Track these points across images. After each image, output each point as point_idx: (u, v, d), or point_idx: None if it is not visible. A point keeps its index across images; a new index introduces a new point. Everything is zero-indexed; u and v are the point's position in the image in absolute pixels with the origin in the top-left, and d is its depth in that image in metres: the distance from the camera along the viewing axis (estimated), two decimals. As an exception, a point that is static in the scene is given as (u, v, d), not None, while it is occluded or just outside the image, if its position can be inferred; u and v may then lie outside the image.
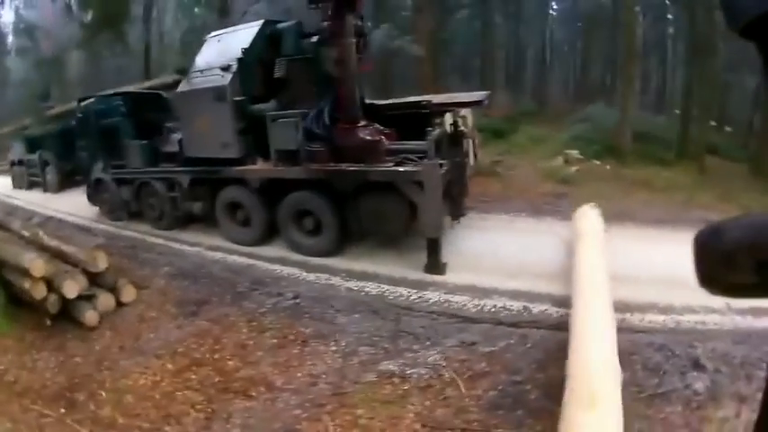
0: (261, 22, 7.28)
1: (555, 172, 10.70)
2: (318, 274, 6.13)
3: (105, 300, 5.69)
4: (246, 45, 6.83)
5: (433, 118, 6.20)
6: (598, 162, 11.43)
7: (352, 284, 5.79)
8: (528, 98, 21.81)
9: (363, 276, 5.94)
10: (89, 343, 5.28)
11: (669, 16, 21.92)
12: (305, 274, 6.20)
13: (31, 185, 14.88)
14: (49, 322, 5.50)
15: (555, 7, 25.85)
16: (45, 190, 13.99)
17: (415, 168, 5.45)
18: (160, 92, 10.26)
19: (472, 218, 7.53)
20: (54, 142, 13.24)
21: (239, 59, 6.72)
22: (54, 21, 16.04)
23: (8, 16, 15.94)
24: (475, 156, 10.76)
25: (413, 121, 6.18)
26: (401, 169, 5.52)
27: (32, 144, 14.34)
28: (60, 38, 16.13)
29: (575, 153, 11.62)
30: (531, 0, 23.23)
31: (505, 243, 6.42)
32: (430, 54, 15.77)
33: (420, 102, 6.46)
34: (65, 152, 12.45)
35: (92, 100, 9.80)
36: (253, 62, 6.84)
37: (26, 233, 7.03)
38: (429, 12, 16.39)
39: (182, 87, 7.46)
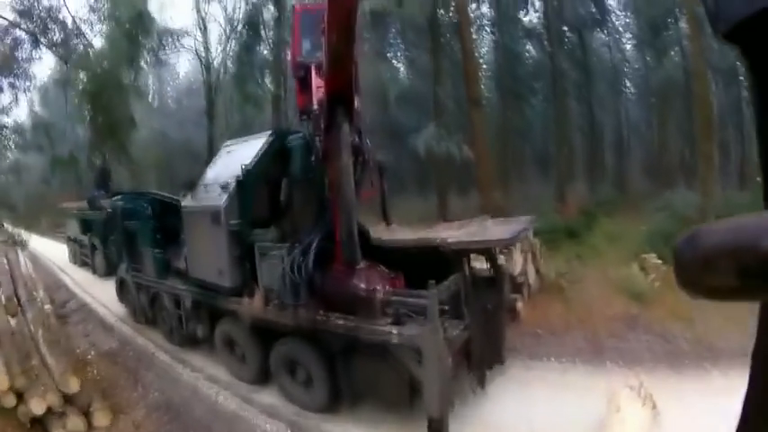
0: (268, 134, 6.61)
1: (628, 283, 9.08)
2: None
3: (74, 422, 5.53)
4: (248, 162, 6.17)
5: (456, 257, 5.03)
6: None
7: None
8: (607, 185, 20.21)
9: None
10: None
11: (741, 77, 19.69)
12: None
13: (83, 264, 15.44)
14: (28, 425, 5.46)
15: (627, 85, 24.21)
16: (93, 272, 14.36)
17: (411, 332, 4.35)
18: None
19: (514, 365, 6.19)
20: (101, 228, 13.62)
21: (238, 179, 6.07)
22: (67, 119, 16.98)
23: (23, 111, 17.27)
24: (536, 271, 9.56)
25: (432, 261, 4.94)
26: (395, 331, 4.40)
27: (85, 225, 14.90)
28: (74, 137, 17.04)
29: (652, 257, 9.93)
30: (603, 80, 21.89)
31: (547, 410, 4.96)
32: (494, 150, 15.02)
33: (433, 242, 5.16)
34: (108, 240, 12.67)
35: (119, 197, 9.75)
36: (255, 182, 6.05)
37: (32, 327, 7.03)
38: (486, 105, 15.83)
39: (186, 202, 6.99)
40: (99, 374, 7.07)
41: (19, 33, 15.20)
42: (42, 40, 14.77)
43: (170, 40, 17.17)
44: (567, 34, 20.42)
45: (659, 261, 9.41)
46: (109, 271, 13.71)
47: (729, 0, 0.57)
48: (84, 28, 15.53)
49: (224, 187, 6.19)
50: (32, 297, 8.08)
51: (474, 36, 19.69)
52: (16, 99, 16.83)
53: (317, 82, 5.34)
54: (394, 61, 22.96)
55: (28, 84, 17.34)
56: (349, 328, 4.69)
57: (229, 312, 6.29)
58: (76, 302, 11.32)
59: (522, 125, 21.67)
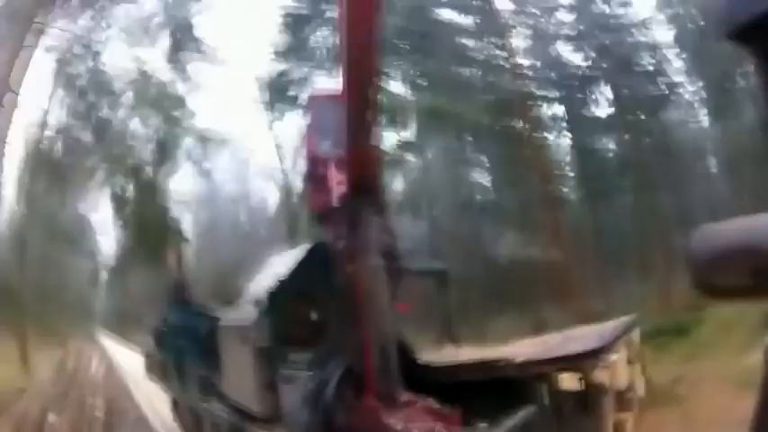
0: (310, 245, 6.14)
1: (752, 375, 7.40)
2: None
3: None
4: (283, 275, 5.76)
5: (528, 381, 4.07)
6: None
7: None
8: None
9: None
10: None
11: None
12: None
13: (156, 380, 15.57)
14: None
15: (713, 162, 22.47)
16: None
17: None
18: None
19: None
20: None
21: (270, 293, 5.63)
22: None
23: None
24: (647, 382, 8.12)
25: (500, 388, 4.02)
26: None
27: (160, 342, 15.21)
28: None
29: None
30: (686, 162, 20.50)
31: None
32: (586, 252, 14.19)
33: (495, 363, 4.24)
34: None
35: (173, 312, 9.70)
36: (290, 296, 5.48)
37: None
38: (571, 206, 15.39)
39: (224, 319, 6.72)
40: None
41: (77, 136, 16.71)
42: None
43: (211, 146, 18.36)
44: (641, 118, 19.58)
45: (784, 340, 7.69)
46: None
47: (736, 1, 0.58)
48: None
49: (256, 303, 5.82)
50: (82, 399, 8.06)
51: (548, 136, 19.65)
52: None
53: (336, 178, 4.80)
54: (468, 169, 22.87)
55: None
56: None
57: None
58: (136, 416, 11.24)
59: (613, 223, 20.47)
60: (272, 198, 36.01)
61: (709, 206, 21.35)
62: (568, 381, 4.74)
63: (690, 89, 20.95)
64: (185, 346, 8.44)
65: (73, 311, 26.50)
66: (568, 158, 23.39)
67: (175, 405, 9.56)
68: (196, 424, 8.10)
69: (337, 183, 4.84)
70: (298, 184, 25.83)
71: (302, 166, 20.37)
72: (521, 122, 17.75)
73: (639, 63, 18.95)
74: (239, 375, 5.90)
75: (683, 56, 19.34)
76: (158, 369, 15.55)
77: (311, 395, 4.26)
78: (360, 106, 3.79)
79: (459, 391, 4.11)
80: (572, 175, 23.19)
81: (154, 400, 13.00)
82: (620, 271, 20.45)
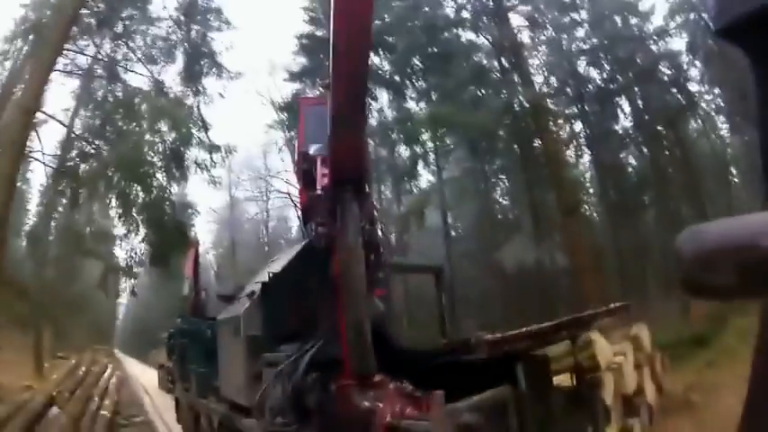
0: (304, 242, 6.12)
1: None
2: None
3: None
4: (279, 268, 5.79)
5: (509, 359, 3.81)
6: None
7: None
8: None
9: None
10: None
11: None
12: None
13: (169, 390, 15.79)
14: None
15: (733, 173, 21.96)
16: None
17: None
18: None
19: None
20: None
21: (262, 286, 5.66)
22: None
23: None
24: (658, 388, 7.91)
25: (480, 373, 3.75)
26: None
27: (171, 351, 15.43)
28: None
29: None
30: (707, 174, 20.27)
31: None
32: (607, 270, 14.11)
33: (469, 341, 3.92)
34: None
35: (184, 320, 9.90)
36: (283, 289, 5.47)
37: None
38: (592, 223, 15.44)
39: (221, 315, 6.79)
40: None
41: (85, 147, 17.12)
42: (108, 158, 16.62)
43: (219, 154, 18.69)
44: (662, 132, 19.35)
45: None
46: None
47: None
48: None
49: (249, 295, 5.87)
50: (87, 398, 8.24)
51: (570, 154, 19.57)
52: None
53: (321, 170, 4.79)
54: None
55: None
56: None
57: (245, 436, 5.58)
58: (143, 419, 11.39)
59: (636, 242, 20.06)
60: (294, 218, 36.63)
61: (731, 216, 20.76)
62: (562, 376, 4.65)
63: (707, 98, 20.69)
64: (189, 348, 8.54)
65: (90, 323, 27.07)
66: (588, 174, 23.26)
67: (177, 406, 9.62)
68: (195, 422, 8.14)
69: (322, 175, 4.91)
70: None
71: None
72: (539, 139, 17.68)
73: (656, 73, 18.76)
74: (232, 367, 5.92)
75: (698, 64, 19.05)
76: (167, 379, 15.83)
77: (284, 375, 4.23)
78: (347, 99, 3.79)
79: (438, 375, 4.02)
80: (592, 190, 23.06)
81: (161, 408, 13.17)
82: (640, 284, 20.01)
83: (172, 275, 19.23)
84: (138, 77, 18.19)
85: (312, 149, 5.29)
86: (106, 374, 14.54)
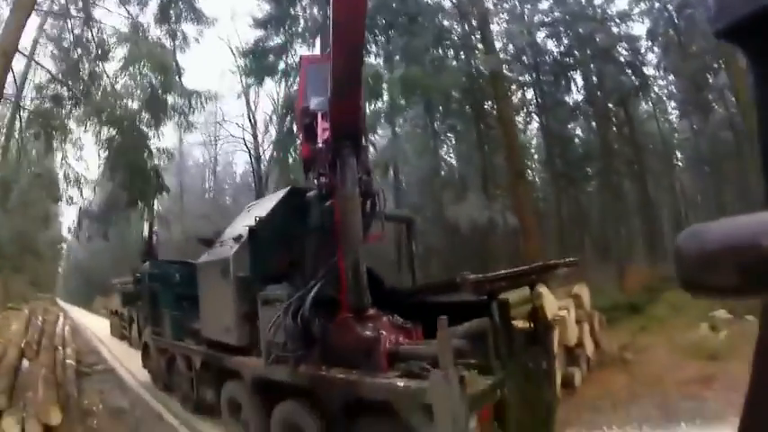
0: (286, 189, 6.53)
1: (699, 346, 8.39)
2: None
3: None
4: (263, 215, 5.98)
5: (488, 297, 4.25)
6: (752, 317, 8.68)
7: None
8: (669, 262, 18.88)
9: None
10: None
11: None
12: None
13: (122, 337, 15.59)
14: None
15: (679, 156, 23.56)
16: (130, 344, 14.35)
17: (419, 385, 3.58)
18: None
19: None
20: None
21: (250, 230, 5.82)
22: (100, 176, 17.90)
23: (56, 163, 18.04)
24: (596, 344, 8.69)
25: (458, 311, 4.13)
26: (400, 384, 3.70)
27: (125, 298, 15.14)
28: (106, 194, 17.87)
29: (721, 313, 9.00)
30: (653, 154, 21.46)
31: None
32: (549, 235, 14.81)
33: (453, 282, 4.34)
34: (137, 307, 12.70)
35: (150, 264, 9.83)
36: (269, 234, 5.73)
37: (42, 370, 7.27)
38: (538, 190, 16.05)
39: (201, 258, 6.85)
40: (98, 426, 6.97)
41: (61, 90, 16.39)
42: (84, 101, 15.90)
43: (198, 101, 18.14)
44: (612, 109, 20.27)
45: (730, 315, 8.37)
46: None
47: None
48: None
49: (236, 240, 6.00)
50: (54, 348, 8.19)
51: (519, 120, 20.10)
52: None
53: (322, 125, 5.17)
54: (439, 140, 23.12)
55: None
56: (350, 383, 4.05)
57: (234, 373, 5.83)
58: (104, 367, 11.27)
59: (577, 210, 21.20)
60: (240, 165, 35.98)
61: (674, 201, 22.44)
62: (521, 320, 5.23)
63: (664, 87, 21.81)
64: (161, 292, 8.52)
65: (39, 271, 25.85)
66: (534, 141, 24.21)
67: (145, 351, 9.60)
68: (167, 365, 8.24)
69: (323, 130, 5.21)
70: (267, 150, 25.94)
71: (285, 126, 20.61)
72: (494, 103, 18.11)
73: (613, 54, 19.52)
74: (217, 308, 6.06)
75: (656, 50, 19.96)
76: (121, 325, 15.60)
77: (291, 310, 4.51)
78: (346, 65, 4.08)
79: (422, 314, 4.49)
80: (537, 157, 24.09)
81: (119, 355, 13.04)
82: (579, 250, 21.41)
83: (117, 221, 18.81)
84: (115, 19, 17.32)
85: (313, 104, 5.50)
86: (59, 324, 14.11)
